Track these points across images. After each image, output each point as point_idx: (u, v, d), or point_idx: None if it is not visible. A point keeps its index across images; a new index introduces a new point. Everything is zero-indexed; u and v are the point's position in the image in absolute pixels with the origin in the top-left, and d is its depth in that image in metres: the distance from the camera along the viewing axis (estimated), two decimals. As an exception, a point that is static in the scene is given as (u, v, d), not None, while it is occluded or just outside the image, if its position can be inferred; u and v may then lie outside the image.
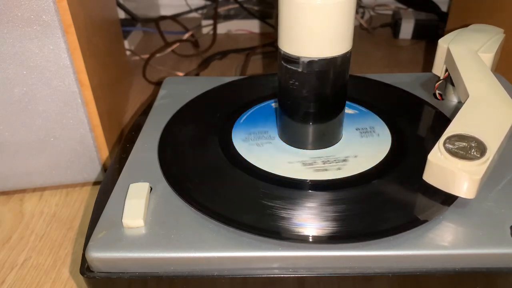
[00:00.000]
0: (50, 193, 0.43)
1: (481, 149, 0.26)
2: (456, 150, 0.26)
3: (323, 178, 0.30)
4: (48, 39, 0.35)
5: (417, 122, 0.36)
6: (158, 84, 0.63)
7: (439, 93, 0.40)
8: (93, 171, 0.42)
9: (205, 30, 0.80)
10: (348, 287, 0.26)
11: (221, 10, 0.83)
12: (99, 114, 0.40)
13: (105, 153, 0.42)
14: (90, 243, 0.26)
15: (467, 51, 0.37)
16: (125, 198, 0.28)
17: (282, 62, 0.31)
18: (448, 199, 0.27)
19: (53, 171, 0.41)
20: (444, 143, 0.27)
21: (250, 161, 0.32)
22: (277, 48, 0.31)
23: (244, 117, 0.37)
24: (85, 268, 0.26)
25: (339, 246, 0.25)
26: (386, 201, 0.28)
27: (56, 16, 0.34)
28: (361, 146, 0.33)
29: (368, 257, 0.25)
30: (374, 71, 0.66)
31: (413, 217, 0.27)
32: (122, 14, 0.79)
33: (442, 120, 0.36)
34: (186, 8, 0.87)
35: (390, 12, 0.84)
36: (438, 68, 0.40)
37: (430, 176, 0.27)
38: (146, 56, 0.70)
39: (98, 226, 0.27)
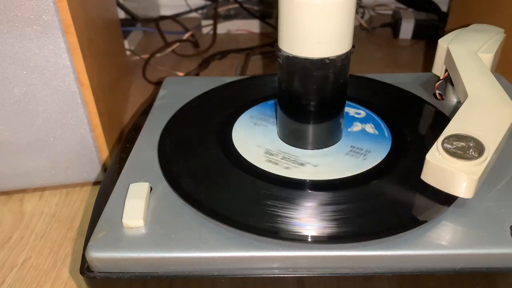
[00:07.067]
0: (50, 193, 0.43)
1: (479, 149, 0.26)
2: (454, 150, 0.26)
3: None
4: (48, 39, 0.35)
5: (417, 122, 0.36)
6: (158, 84, 0.63)
7: (439, 93, 0.40)
8: (93, 171, 0.42)
9: (205, 30, 0.80)
10: (348, 287, 0.26)
11: (221, 10, 0.82)
12: (99, 114, 0.40)
13: (105, 153, 0.42)
14: (90, 243, 0.26)
15: (467, 51, 0.37)
16: (125, 198, 0.28)
17: (282, 62, 0.31)
18: (448, 199, 0.27)
19: (53, 171, 0.41)
20: (442, 143, 0.27)
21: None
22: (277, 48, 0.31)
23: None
24: (85, 268, 0.26)
25: (339, 246, 0.25)
26: (386, 201, 0.28)
27: (56, 16, 0.34)
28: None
29: (368, 257, 0.25)
30: (374, 71, 0.65)
31: (413, 217, 0.27)
32: (122, 14, 0.79)
33: (442, 120, 0.36)
34: (186, 8, 0.87)
35: (390, 12, 0.84)
36: (438, 68, 0.40)
37: (428, 176, 0.27)
38: (146, 56, 0.70)
39: (98, 226, 0.27)
